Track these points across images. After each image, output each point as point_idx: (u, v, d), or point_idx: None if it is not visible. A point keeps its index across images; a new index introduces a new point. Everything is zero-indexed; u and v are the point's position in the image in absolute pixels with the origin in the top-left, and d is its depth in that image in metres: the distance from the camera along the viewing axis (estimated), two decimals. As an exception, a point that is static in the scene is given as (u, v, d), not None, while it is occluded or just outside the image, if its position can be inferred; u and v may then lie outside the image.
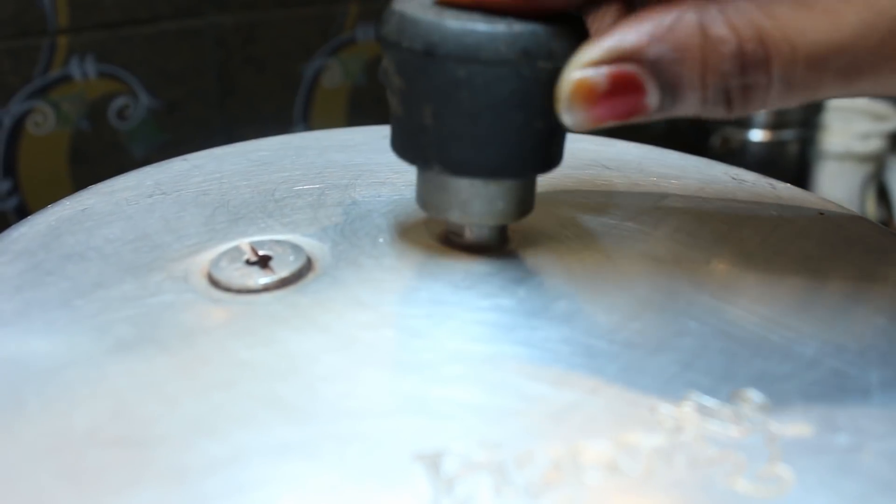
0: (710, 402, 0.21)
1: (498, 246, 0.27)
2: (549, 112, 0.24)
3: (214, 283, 0.25)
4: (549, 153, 0.25)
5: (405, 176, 0.31)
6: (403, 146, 0.25)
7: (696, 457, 0.19)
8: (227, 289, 0.25)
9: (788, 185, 0.34)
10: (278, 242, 0.26)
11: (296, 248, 0.26)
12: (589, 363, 0.22)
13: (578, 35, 0.23)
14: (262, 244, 0.26)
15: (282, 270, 0.25)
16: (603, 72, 0.22)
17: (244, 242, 0.26)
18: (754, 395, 0.21)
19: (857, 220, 0.31)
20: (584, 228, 0.28)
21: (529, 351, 0.22)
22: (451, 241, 0.27)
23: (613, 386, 0.21)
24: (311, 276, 0.25)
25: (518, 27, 0.23)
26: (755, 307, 0.24)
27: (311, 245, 0.26)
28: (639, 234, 0.28)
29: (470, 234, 0.26)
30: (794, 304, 0.25)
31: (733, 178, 0.34)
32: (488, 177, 0.25)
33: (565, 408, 0.21)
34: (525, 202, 0.26)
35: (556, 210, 0.29)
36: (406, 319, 0.24)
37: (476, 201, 0.25)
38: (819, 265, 0.27)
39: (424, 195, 0.26)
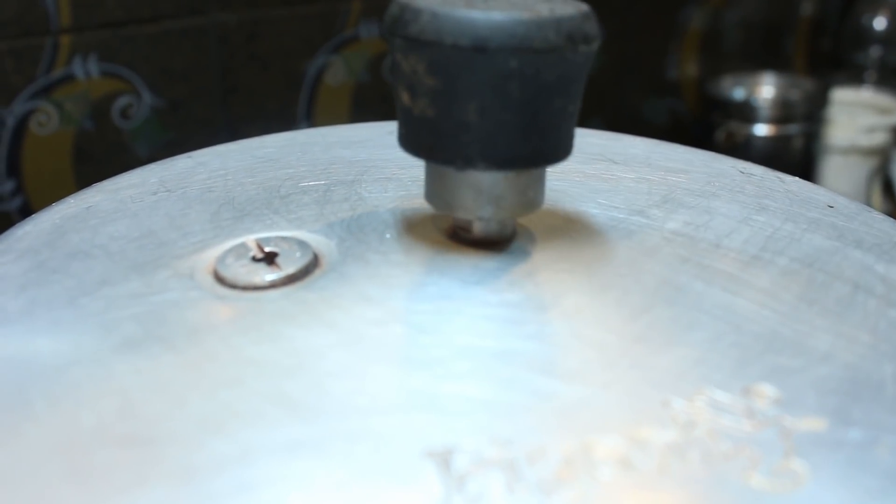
0: (722, 396, 0.20)
1: (506, 241, 0.26)
2: (580, 96, 0.24)
3: (220, 280, 0.25)
4: (573, 138, 0.25)
5: (411, 171, 0.31)
6: (435, 147, 0.24)
7: (709, 452, 0.19)
8: (234, 286, 0.24)
9: (797, 178, 0.34)
10: (284, 239, 0.26)
11: (302, 245, 0.26)
12: (600, 358, 0.22)
13: (594, 18, 0.24)
14: (267, 241, 0.26)
15: (288, 267, 0.25)
16: None
17: (250, 239, 0.26)
18: (767, 390, 0.21)
19: (867, 213, 0.31)
20: (592, 223, 0.28)
21: (539, 346, 0.22)
22: (459, 237, 0.27)
23: (625, 381, 0.21)
24: (317, 272, 0.25)
25: (558, 12, 0.23)
26: (766, 301, 0.24)
27: (318, 241, 0.26)
28: (647, 229, 0.28)
29: (478, 229, 0.26)
30: (805, 298, 0.25)
31: (741, 172, 0.34)
32: (529, 166, 0.24)
33: (577, 403, 0.20)
34: (543, 190, 0.26)
35: (563, 204, 0.29)
36: (414, 315, 0.23)
37: (510, 194, 0.25)
38: (830, 258, 0.27)
39: (446, 195, 0.25)
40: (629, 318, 0.23)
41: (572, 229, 0.27)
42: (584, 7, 0.24)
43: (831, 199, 0.32)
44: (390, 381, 0.21)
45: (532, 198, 0.26)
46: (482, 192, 0.25)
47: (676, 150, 0.36)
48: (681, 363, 0.22)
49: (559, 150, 0.25)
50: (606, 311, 0.24)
